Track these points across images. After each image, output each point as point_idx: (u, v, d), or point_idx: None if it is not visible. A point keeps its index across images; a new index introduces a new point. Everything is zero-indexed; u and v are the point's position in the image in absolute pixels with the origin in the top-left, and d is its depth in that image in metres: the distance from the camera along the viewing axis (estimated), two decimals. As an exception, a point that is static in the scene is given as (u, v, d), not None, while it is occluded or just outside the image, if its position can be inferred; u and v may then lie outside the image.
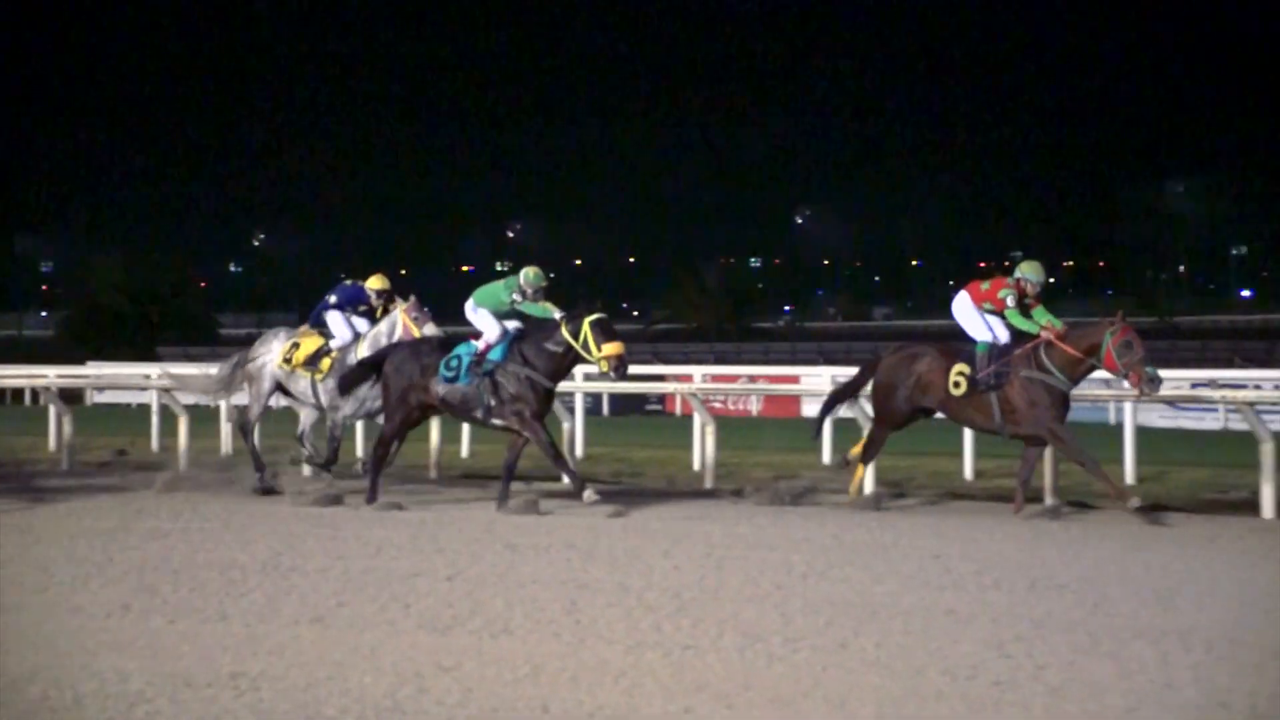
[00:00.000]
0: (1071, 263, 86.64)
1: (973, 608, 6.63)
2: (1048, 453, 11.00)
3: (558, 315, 10.90)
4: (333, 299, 12.66)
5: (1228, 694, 5.04)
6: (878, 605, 6.69)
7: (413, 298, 12.29)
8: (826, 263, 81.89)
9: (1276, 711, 4.84)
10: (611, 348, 10.54)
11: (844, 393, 11.56)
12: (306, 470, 13.04)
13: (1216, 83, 75.56)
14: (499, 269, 74.02)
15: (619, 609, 6.55)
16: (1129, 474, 12.61)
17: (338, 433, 12.42)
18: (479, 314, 11.19)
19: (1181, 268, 65.70)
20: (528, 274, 11.16)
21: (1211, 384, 15.33)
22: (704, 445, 13.23)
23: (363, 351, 12.11)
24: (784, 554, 8.34)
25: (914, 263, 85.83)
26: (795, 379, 20.06)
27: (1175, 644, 5.78)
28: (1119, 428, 13.99)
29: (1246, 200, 63.42)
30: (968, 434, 13.31)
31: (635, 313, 73.23)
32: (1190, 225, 64.58)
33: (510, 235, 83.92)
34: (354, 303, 12.57)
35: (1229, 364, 29.89)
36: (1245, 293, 66.08)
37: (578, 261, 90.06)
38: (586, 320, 10.64)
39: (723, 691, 5.10)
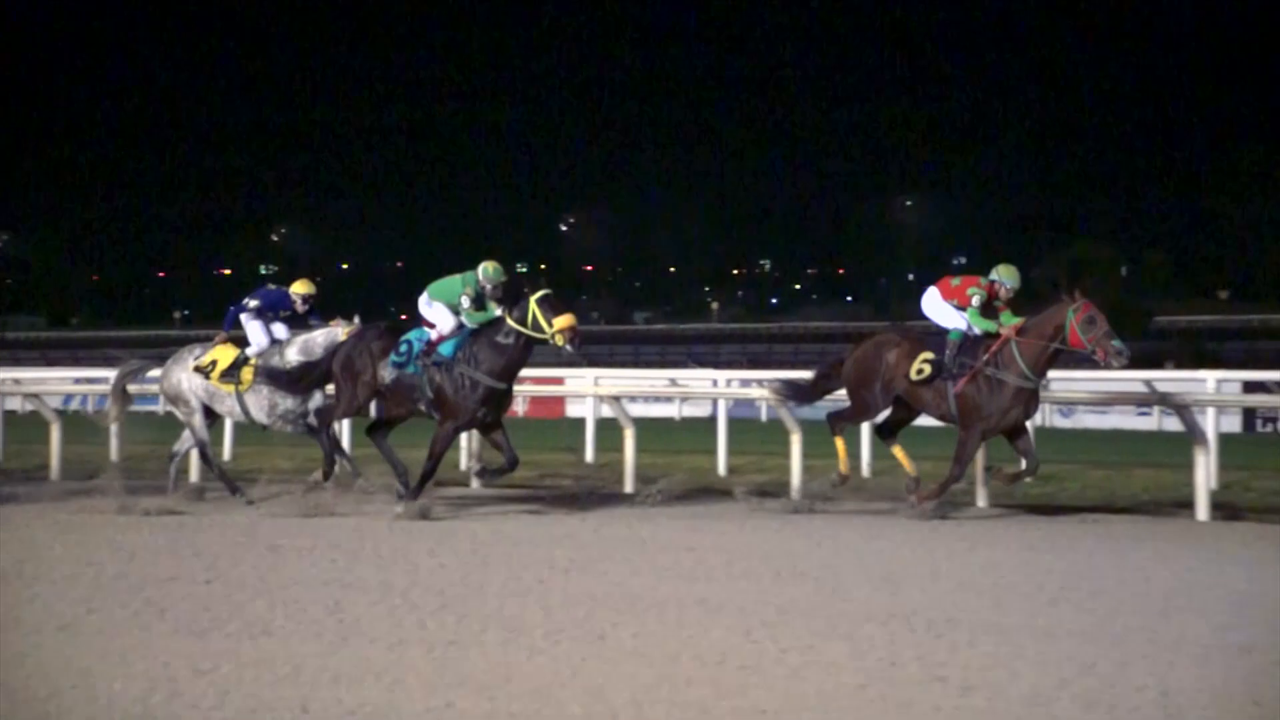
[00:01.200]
0: (814, 270, 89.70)
1: (722, 597, 6.76)
2: (794, 447, 11.36)
3: (499, 310, 10.30)
4: (253, 303, 11.50)
5: (943, 668, 5.27)
6: (635, 597, 6.76)
7: (356, 320, 11.40)
8: (589, 268, 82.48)
9: (984, 681, 5.09)
10: (563, 320, 9.93)
11: (813, 389, 11.05)
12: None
13: (940, 107, 79.51)
14: (263, 272, 71.68)
15: (383, 607, 6.43)
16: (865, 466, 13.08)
17: (299, 430, 11.32)
18: (434, 308, 10.50)
19: (910, 275, 68.77)
20: (487, 269, 10.43)
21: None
22: (469, 443, 13.07)
23: (292, 357, 11.26)
24: (547, 550, 8.35)
25: (670, 269, 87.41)
26: (560, 380, 20.10)
27: (901, 625, 6.02)
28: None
29: (965, 214, 66.94)
30: (723, 432, 13.65)
31: (403, 316, 72.03)
32: (917, 236, 67.64)
33: (275, 239, 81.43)
34: (276, 308, 11.55)
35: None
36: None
37: (345, 265, 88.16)
38: (532, 299, 10.02)
39: (484, 685, 5.07)
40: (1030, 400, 10.07)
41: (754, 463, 14.13)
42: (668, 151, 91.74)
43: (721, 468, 13.58)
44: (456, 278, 10.52)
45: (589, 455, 14.63)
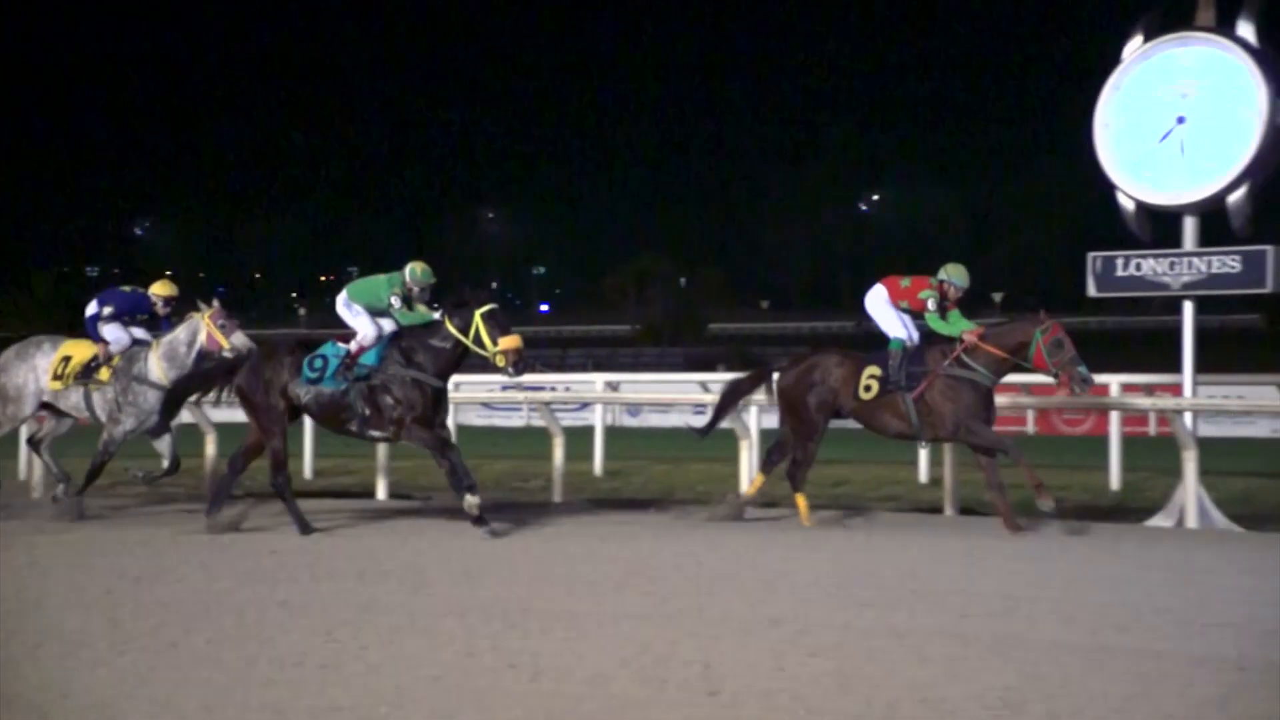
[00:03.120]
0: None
1: (304, 598, 6.57)
2: (395, 446, 11.17)
3: (436, 314, 9.40)
4: (106, 310, 10.34)
5: (517, 656, 5.34)
6: (211, 603, 6.45)
7: (216, 303, 10.36)
8: (169, 273, 77.98)
9: (553, 666, 5.21)
10: (508, 341, 9.05)
11: (732, 398, 10.30)
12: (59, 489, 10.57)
13: (521, 121, 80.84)
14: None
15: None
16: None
17: (112, 449, 10.28)
18: (354, 311, 9.44)
19: (495, 284, 69.80)
20: (414, 270, 9.49)
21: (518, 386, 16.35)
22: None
23: (157, 360, 10.18)
24: (114, 559, 7.82)
25: (256, 275, 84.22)
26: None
27: (479, 617, 6.07)
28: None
29: (544, 225, 68.56)
30: (310, 432, 13.26)
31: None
32: (501, 246, 68.65)
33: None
34: (134, 312, 10.47)
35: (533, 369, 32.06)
36: (544, 307, 71.33)
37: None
38: (478, 313, 9.13)
39: (35, 703, 4.67)
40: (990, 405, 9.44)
41: (340, 465, 13.85)
42: (260, 155, 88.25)
43: (308, 470, 13.21)
44: (380, 279, 9.58)
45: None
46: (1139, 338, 33.09)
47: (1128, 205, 10.56)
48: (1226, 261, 10.11)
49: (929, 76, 62.40)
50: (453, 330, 9.16)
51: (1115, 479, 11.76)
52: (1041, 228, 52.70)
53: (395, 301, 9.37)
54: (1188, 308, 10.35)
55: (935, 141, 60.08)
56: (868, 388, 9.42)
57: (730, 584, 7.03)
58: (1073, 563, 7.87)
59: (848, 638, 5.64)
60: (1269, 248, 9.96)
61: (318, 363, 9.30)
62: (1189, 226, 10.37)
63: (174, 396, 10.02)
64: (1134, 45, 10.46)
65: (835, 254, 62.60)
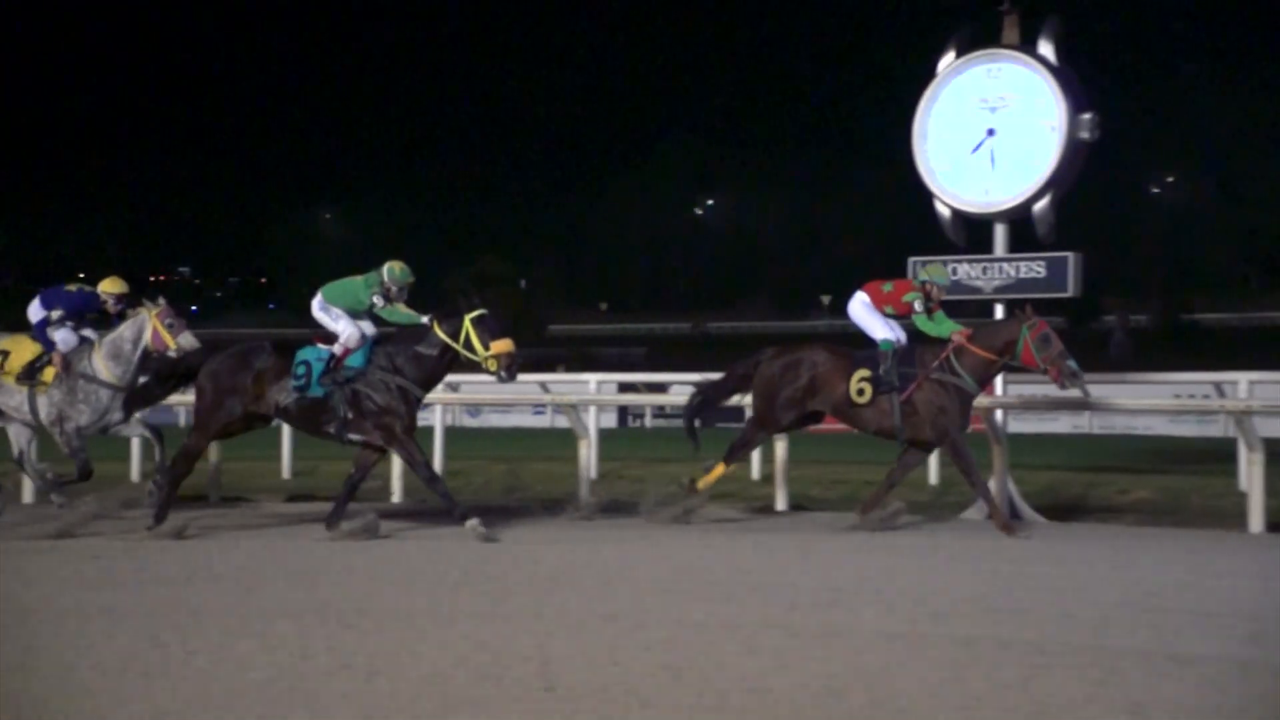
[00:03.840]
0: (237, 278, 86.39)
1: (131, 604, 6.34)
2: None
3: (424, 318, 9.05)
4: (55, 314, 9.81)
5: (352, 656, 5.25)
6: (30, 610, 6.17)
7: (163, 301, 9.95)
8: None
9: (388, 665, 5.14)
10: (500, 345, 8.82)
11: (711, 397, 9.98)
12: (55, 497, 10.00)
13: (356, 124, 79.30)
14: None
15: None
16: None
17: (75, 443, 9.80)
18: (332, 314, 9.06)
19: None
20: (393, 270, 9.12)
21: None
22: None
23: (102, 358, 9.77)
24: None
25: (80, 275, 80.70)
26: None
27: (314, 618, 5.95)
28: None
29: (391, 226, 67.46)
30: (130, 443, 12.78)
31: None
32: (339, 247, 67.35)
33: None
34: (83, 312, 10.01)
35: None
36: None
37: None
38: (467, 318, 8.88)
39: None
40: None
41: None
42: (85, 154, 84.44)
43: (134, 473, 12.73)
44: (357, 280, 9.19)
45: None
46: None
47: (944, 213, 10.94)
48: (1033, 267, 10.56)
49: (740, 85, 63.61)
50: (442, 336, 8.92)
51: (934, 474, 12.16)
52: (867, 233, 54.26)
53: (378, 300, 9.09)
54: (998, 311, 10.77)
55: (765, 149, 61.18)
56: (860, 391, 9.27)
57: (568, 581, 7.04)
58: (894, 555, 8.11)
59: (681, 632, 5.70)
60: (1070, 254, 10.44)
61: (300, 370, 8.98)
62: (999, 234, 10.80)
63: (135, 401, 9.74)
64: (947, 61, 10.84)
65: (672, 257, 63.32)
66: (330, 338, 9.08)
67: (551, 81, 70.17)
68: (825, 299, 51.06)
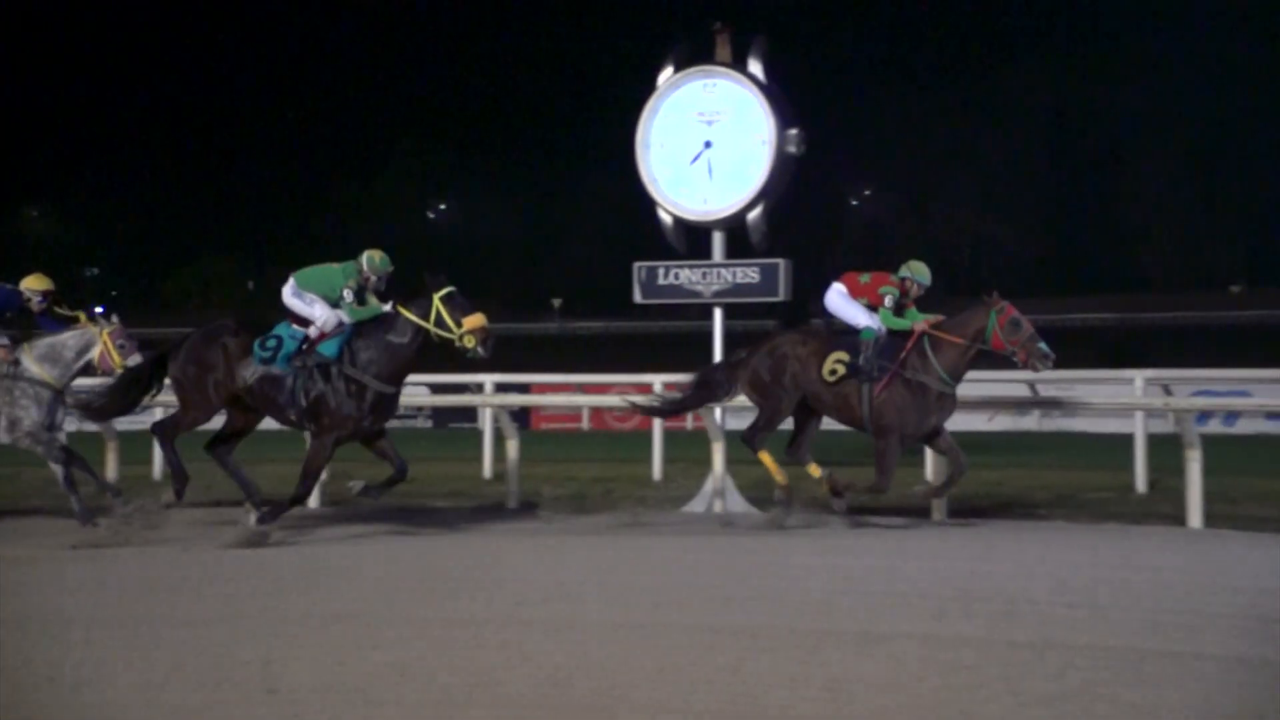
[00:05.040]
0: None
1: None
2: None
3: (387, 306, 8.60)
4: None
5: (58, 667, 4.97)
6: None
7: (116, 320, 9.39)
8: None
9: (98, 675, 4.86)
10: (473, 320, 8.37)
11: (702, 396, 9.46)
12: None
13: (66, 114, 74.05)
14: None
15: None
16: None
17: (43, 438, 9.12)
18: (306, 299, 8.58)
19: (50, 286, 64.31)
20: (372, 258, 8.65)
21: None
22: None
23: (33, 361, 9.17)
24: None
25: None
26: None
27: (11, 629, 5.59)
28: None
29: (96, 225, 63.48)
30: None
31: None
32: (48, 247, 62.96)
33: None
34: (2, 310, 9.33)
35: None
36: (99, 310, 66.06)
37: None
38: (436, 296, 8.42)
39: None
40: (950, 405, 8.99)
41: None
42: None
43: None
44: (334, 267, 8.70)
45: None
46: (676, 340, 35.21)
47: (667, 220, 11.20)
48: (748, 272, 10.96)
49: (473, 90, 63.18)
50: (412, 318, 8.47)
51: (657, 470, 12.45)
52: (596, 238, 54.98)
53: (348, 295, 8.61)
54: (717, 314, 11.12)
55: (498, 154, 60.98)
56: (833, 371, 8.98)
57: (299, 583, 6.83)
58: (621, 549, 8.26)
59: (409, 630, 5.63)
60: (781, 261, 10.90)
61: (270, 342, 8.51)
62: (717, 241, 11.15)
63: (105, 409, 9.19)
64: (666, 75, 11.14)
65: (407, 260, 62.25)
66: (305, 321, 8.65)
67: (283, 81, 67.75)
68: (556, 302, 51.42)
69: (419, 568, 7.43)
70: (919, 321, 8.98)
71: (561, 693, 4.73)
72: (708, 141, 10.99)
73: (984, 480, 11.26)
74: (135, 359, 9.30)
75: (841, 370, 8.96)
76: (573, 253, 57.27)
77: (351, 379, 8.46)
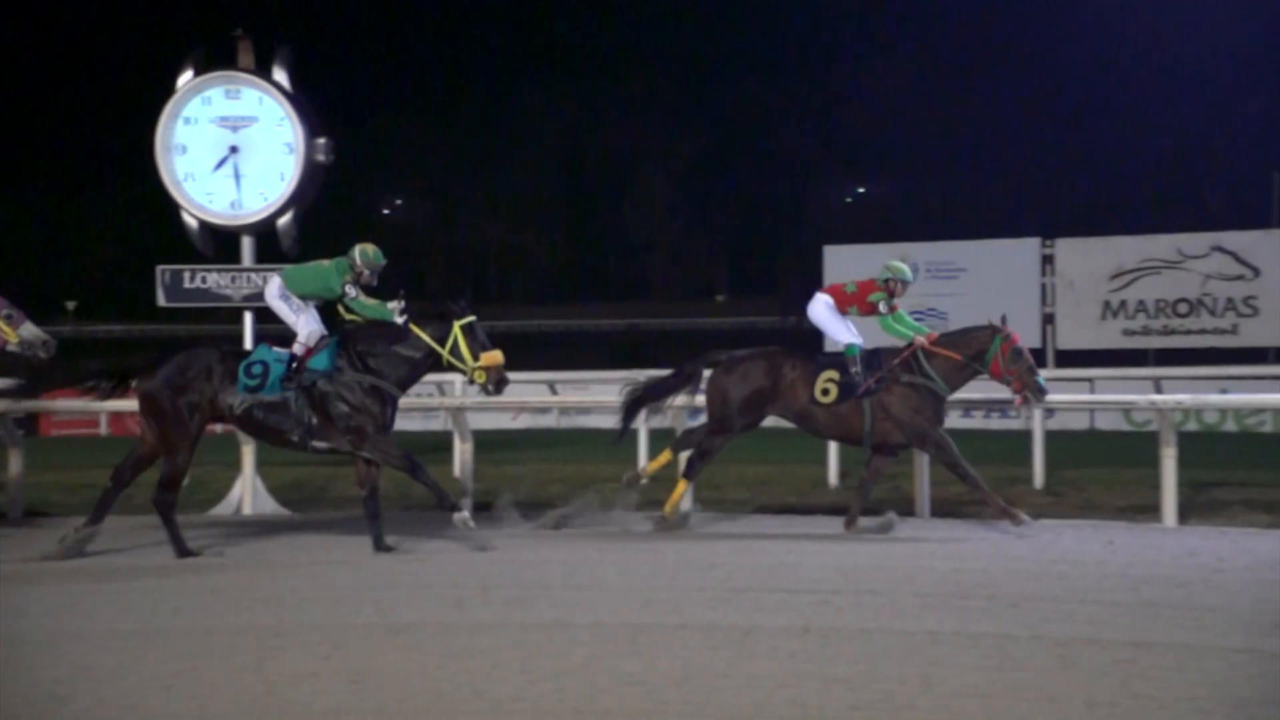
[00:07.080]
0: None
1: None
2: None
3: (399, 318, 7.99)
4: None
5: None
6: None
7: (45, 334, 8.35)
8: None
9: None
10: (490, 357, 7.95)
11: (650, 395, 8.87)
12: None
13: None
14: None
15: None
16: None
17: None
18: (292, 305, 7.99)
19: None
20: (365, 252, 8.04)
21: None
22: None
23: None
24: None
25: None
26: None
27: None
28: None
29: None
30: None
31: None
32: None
33: None
34: None
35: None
36: None
37: None
38: (458, 324, 7.96)
39: None
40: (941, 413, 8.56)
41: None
42: None
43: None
44: (326, 265, 8.11)
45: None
46: (208, 343, 33.38)
47: (192, 223, 10.80)
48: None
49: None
50: (428, 340, 7.97)
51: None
52: (116, 240, 50.93)
53: (351, 290, 8.02)
54: (248, 317, 10.81)
55: (6, 153, 54.54)
56: (825, 391, 8.49)
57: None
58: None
59: None
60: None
61: (256, 369, 7.85)
62: (247, 245, 10.84)
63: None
64: (186, 78, 10.69)
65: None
66: (285, 339, 8.05)
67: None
68: (70, 305, 47.11)
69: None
70: (920, 336, 8.64)
71: (60, 708, 4.41)
72: (234, 146, 10.71)
73: (507, 475, 11.63)
74: (28, 327, 8.43)
75: (834, 390, 8.55)
76: (89, 254, 52.86)
77: (369, 383, 7.92)
